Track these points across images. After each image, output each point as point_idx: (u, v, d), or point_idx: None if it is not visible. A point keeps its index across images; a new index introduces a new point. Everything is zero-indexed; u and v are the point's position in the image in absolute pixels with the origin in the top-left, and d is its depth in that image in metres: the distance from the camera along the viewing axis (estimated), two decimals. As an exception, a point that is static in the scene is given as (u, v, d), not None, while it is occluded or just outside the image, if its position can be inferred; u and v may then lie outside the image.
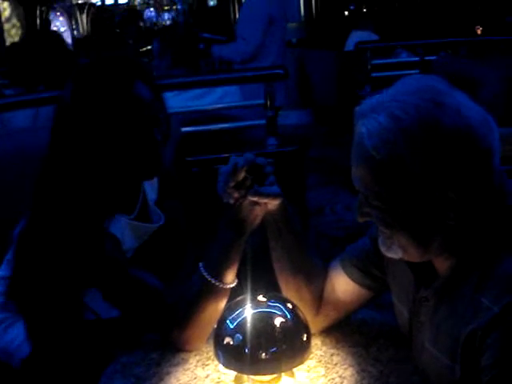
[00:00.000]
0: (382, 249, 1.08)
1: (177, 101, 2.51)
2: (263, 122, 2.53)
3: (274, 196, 1.18)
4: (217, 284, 1.21)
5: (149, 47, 6.69)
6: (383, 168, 0.97)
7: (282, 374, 1.15)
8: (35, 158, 1.98)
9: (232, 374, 1.18)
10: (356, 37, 5.51)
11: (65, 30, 9.22)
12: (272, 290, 1.22)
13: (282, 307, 1.13)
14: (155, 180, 1.50)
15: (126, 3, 11.92)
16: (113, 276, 1.30)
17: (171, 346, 1.27)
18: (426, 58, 4.08)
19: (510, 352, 0.91)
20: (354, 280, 1.25)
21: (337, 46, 5.89)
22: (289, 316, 1.12)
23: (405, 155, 0.95)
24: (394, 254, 1.06)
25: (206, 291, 1.22)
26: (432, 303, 1.07)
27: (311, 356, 1.18)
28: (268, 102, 2.53)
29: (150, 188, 1.49)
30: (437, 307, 1.06)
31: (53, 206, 1.32)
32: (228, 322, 1.12)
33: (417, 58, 4.21)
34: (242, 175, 1.15)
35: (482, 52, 4.34)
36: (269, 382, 1.14)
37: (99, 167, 1.33)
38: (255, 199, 1.17)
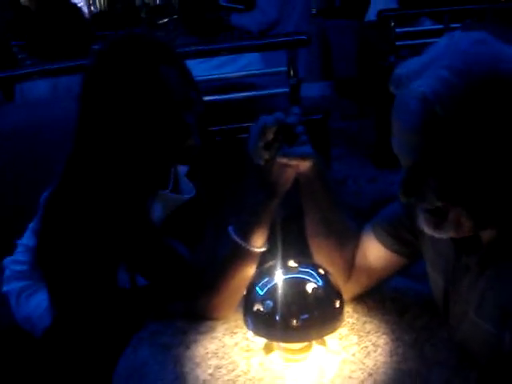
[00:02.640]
0: (428, 229, 0.98)
1: (199, 69, 2.46)
2: (286, 90, 2.47)
3: (304, 157, 1.13)
4: (247, 247, 1.17)
5: (165, 20, 6.63)
6: (448, 126, 0.88)
7: (314, 342, 1.12)
8: (54, 127, 1.98)
9: (261, 342, 1.15)
10: (377, 6, 5.39)
11: (82, 6, 9.19)
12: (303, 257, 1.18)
13: (313, 273, 1.09)
14: None
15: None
16: (139, 245, 1.27)
17: (198, 315, 1.24)
18: (452, 25, 3.96)
19: None
20: (385, 246, 1.21)
21: (358, 15, 5.77)
22: (321, 282, 1.08)
23: (473, 110, 0.86)
24: (444, 233, 0.97)
25: (235, 255, 1.18)
26: (474, 271, 1.02)
27: (343, 324, 1.14)
28: (291, 70, 2.46)
29: None
30: (479, 275, 1.01)
31: (85, 176, 1.28)
32: (258, 288, 1.09)
33: (441, 26, 4.09)
34: (271, 135, 1.10)
35: (506, 19, 4.21)
36: (299, 350, 1.11)
37: (129, 148, 1.27)
38: (284, 161, 1.12)
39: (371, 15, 5.26)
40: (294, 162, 1.13)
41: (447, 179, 0.91)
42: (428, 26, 4.40)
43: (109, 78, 1.25)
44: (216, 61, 2.72)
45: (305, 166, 1.14)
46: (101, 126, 1.26)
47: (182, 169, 1.46)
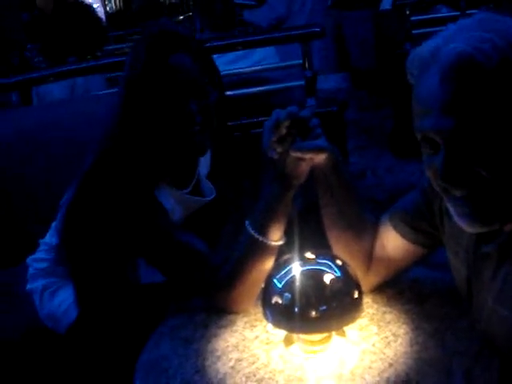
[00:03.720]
0: (472, 226, 0.94)
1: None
2: (302, 83, 2.46)
3: (317, 150, 1.13)
4: (264, 241, 1.17)
5: (181, 17, 6.67)
6: (498, 77, 0.84)
7: (333, 333, 1.12)
8: (74, 127, 2.00)
9: (281, 334, 1.16)
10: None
11: (98, 6, 9.23)
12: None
13: (331, 264, 1.09)
14: (208, 153, 1.47)
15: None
16: (158, 241, 1.28)
17: (218, 309, 1.25)
18: (468, 12, 3.91)
19: None
20: (403, 236, 1.20)
21: (372, 5, 5.72)
22: (339, 273, 1.08)
23: None
24: (475, 225, 0.94)
25: (252, 249, 1.18)
26: (495, 259, 1.00)
27: (363, 314, 1.14)
28: (306, 63, 2.45)
29: (203, 161, 1.47)
30: (500, 263, 0.99)
31: (106, 174, 1.30)
32: (276, 280, 1.09)
33: (457, 13, 4.05)
34: (284, 130, 1.10)
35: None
36: (319, 341, 1.11)
37: (149, 138, 1.31)
38: (298, 154, 1.12)
39: (386, 4, 5.22)
40: (307, 156, 1.13)
41: (486, 142, 0.87)
42: (444, 13, 4.35)
43: (130, 67, 1.33)
44: (231, 56, 2.73)
45: (319, 159, 1.14)
46: (129, 115, 1.32)
47: (203, 171, 1.47)
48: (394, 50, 4.10)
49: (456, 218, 0.96)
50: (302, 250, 1.12)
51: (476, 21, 0.92)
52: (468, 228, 0.95)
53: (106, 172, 1.30)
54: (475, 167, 0.89)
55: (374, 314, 1.20)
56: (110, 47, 4.48)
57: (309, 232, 1.16)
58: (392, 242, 1.21)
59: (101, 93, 2.55)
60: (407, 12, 3.84)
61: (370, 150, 4.15)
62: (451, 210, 0.96)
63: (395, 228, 1.20)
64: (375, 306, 1.22)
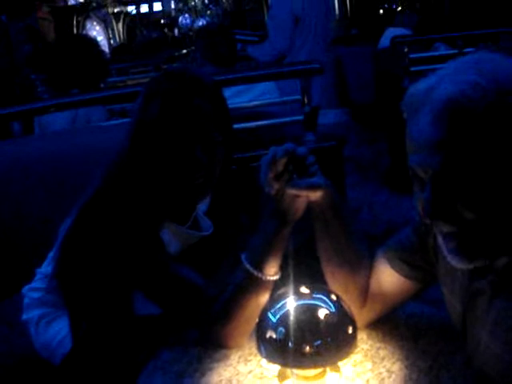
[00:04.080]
0: (459, 262, 0.95)
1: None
2: (300, 118, 2.49)
3: (313, 188, 1.14)
4: (259, 276, 1.17)
5: (183, 52, 6.78)
6: (484, 121, 0.86)
7: (327, 368, 1.12)
8: (74, 158, 2.02)
9: (275, 369, 1.15)
10: (390, 34, 5.43)
11: (101, 39, 9.43)
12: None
13: (325, 299, 1.09)
14: None
15: (161, 11, 12.11)
16: (154, 274, 1.28)
17: (213, 343, 1.25)
18: (465, 50, 3.97)
19: None
20: (399, 272, 1.20)
21: (373, 43, 5.82)
22: (333, 308, 1.08)
23: (502, 111, 0.86)
24: (465, 261, 0.95)
25: (248, 283, 1.19)
26: (488, 295, 1.01)
27: (357, 350, 1.14)
28: (304, 98, 2.49)
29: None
30: (493, 298, 1.00)
31: (106, 207, 1.31)
32: (270, 314, 1.09)
33: (455, 51, 4.11)
34: (281, 167, 1.12)
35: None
36: (314, 376, 1.10)
37: (153, 177, 1.33)
38: (294, 192, 1.14)
39: (385, 42, 5.30)
40: (303, 193, 1.15)
41: (471, 182, 0.88)
42: (442, 50, 4.42)
43: (146, 104, 1.33)
44: (231, 90, 2.77)
45: (315, 196, 1.15)
46: (136, 151, 1.33)
47: (202, 208, 1.48)
48: (392, 86, 4.16)
49: (445, 253, 0.97)
50: (296, 285, 1.12)
51: (473, 62, 0.93)
52: (456, 263, 0.96)
53: (105, 205, 1.31)
54: (459, 206, 0.90)
55: (368, 349, 1.20)
56: (113, 79, 4.56)
57: (304, 267, 1.16)
58: (387, 277, 1.22)
59: (102, 124, 2.58)
60: (405, 50, 3.91)
61: (366, 184, 4.17)
62: (441, 245, 0.98)
63: (390, 264, 1.21)
64: (370, 341, 1.22)
